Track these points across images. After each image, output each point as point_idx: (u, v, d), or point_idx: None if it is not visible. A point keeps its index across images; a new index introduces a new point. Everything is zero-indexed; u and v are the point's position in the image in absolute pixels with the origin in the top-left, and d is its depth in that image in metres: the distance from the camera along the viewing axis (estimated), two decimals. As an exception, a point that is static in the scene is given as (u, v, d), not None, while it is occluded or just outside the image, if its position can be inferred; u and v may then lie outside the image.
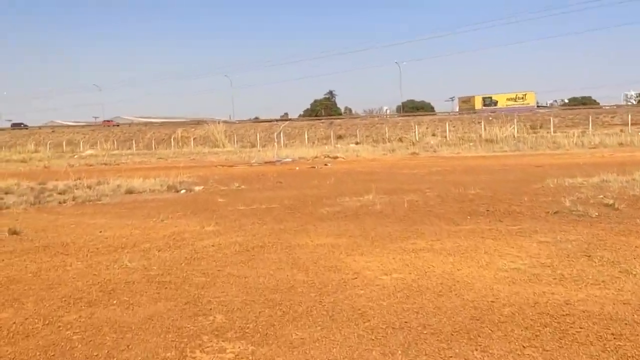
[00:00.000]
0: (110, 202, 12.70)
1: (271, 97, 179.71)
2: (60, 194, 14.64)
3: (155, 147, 63.95)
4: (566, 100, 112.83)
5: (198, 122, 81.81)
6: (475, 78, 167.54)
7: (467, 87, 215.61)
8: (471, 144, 35.35)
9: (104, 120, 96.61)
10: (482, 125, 47.26)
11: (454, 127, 58.69)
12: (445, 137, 47.87)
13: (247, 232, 8.14)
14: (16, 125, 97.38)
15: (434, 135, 52.97)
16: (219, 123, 68.17)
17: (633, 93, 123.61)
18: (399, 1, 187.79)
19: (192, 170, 23.70)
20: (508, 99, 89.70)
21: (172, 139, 65.89)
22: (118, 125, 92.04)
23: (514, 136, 40.60)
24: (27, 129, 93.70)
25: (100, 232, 8.79)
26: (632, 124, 47.39)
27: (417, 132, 49.62)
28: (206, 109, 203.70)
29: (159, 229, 8.77)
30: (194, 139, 70.14)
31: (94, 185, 16.07)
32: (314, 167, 22.15)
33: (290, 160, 29.20)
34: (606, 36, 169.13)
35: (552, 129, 44.80)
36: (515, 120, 48.01)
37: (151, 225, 9.13)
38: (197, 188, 14.97)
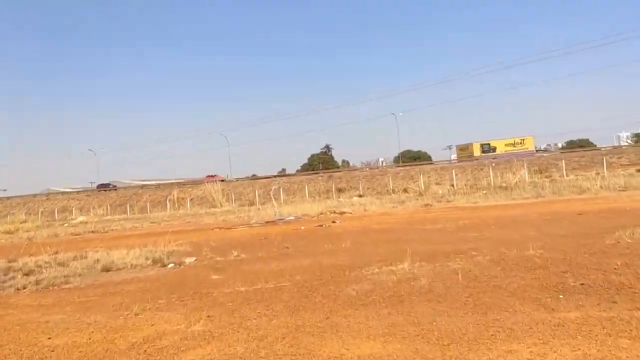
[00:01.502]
0: (79, 286, 10.23)
1: (268, 154, 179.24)
2: (26, 274, 12.23)
3: (150, 211, 61.59)
4: (563, 144, 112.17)
5: (195, 183, 79.93)
6: (469, 126, 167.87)
7: (462, 135, 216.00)
8: (484, 191, 33.12)
9: (99, 185, 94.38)
10: (490, 172, 45.22)
11: (456, 175, 56.79)
12: (453, 185, 45.71)
13: (251, 334, 5.71)
14: (103, 186, 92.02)
15: (437, 184, 50.94)
16: (215, 182, 66.15)
17: (626, 134, 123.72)
18: (388, 53, 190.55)
19: (185, 236, 21.30)
20: (506, 145, 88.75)
21: (167, 201, 63.61)
22: (115, 188, 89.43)
23: (526, 181, 38.45)
24: (115, 189, 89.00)
25: (49, 338, 6.36)
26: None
27: (422, 181, 47.49)
28: (204, 168, 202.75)
29: (129, 331, 6.33)
30: (190, 199, 68.02)
31: (68, 262, 13.66)
32: (322, 226, 19.78)
33: (293, 218, 26.83)
34: (594, 79, 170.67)
35: (564, 172, 42.72)
36: (525, 164, 46.00)
37: (120, 325, 6.68)
38: (188, 260, 12.54)
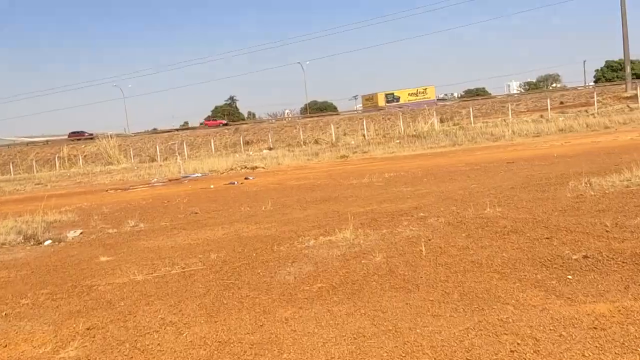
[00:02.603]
0: None
1: (169, 106, 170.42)
2: None
3: (37, 170, 55.80)
4: (462, 93, 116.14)
5: (92, 138, 73.50)
6: (371, 76, 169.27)
7: (364, 86, 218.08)
8: (397, 141, 32.45)
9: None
10: (400, 121, 44.86)
11: (366, 125, 56.37)
12: (364, 135, 44.96)
13: (151, 362, 3.81)
14: (75, 135, 78.24)
15: (346, 134, 50.06)
16: (111, 137, 61.04)
17: (515, 83, 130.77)
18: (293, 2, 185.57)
19: (73, 200, 18.43)
20: (410, 94, 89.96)
21: (56, 159, 57.95)
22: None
23: (435, 130, 38.33)
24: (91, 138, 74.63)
25: None
26: (546, 110, 47.20)
27: (333, 132, 46.29)
28: (98, 123, 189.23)
29: (-40, 364, 4.20)
30: (84, 156, 62.54)
31: None
32: (233, 183, 17.76)
33: (199, 175, 24.48)
34: (484, 32, 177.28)
35: (471, 120, 43.23)
36: (434, 113, 46.07)
37: (-51, 351, 4.49)
38: (71, 234, 10.14)
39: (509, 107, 45.72)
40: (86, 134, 78.19)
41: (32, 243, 9.58)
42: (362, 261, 5.77)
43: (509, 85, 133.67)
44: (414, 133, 35.82)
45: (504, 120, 41.31)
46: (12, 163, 62.43)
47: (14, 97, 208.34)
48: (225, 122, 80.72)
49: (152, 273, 6.38)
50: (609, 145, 16.94)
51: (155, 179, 24.69)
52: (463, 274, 4.95)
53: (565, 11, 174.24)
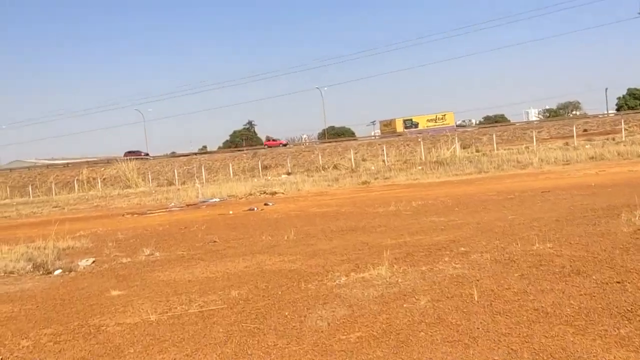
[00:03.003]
0: None
1: (187, 130, 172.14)
2: None
3: (56, 193, 55.98)
4: (481, 120, 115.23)
5: (108, 161, 73.79)
6: (390, 102, 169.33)
7: (382, 111, 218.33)
8: (419, 167, 31.71)
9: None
10: (421, 147, 44.16)
11: (382, 150, 55.89)
12: (384, 161, 44.31)
13: None
14: (132, 154, 75.95)
15: (364, 160, 49.46)
16: (130, 161, 61.23)
17: (534, 110, 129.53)
18: (309, 24, 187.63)
19: (89, 224, 17.98)
20: (428, 120, 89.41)
21: (75, 182, 58.15)
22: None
23: (459, 156, 37.52)
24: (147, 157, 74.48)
25: None
26: (570, 137, 46.20)
27: (352, 157, 45.72)
28: (118, 146, 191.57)
29: None
30: (103, 179, 62.72)
31: None
32: (253, 210, 17.16)
33: (217, 200, 23.97)
34: (504, 55, 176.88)
35: (494, 146, 42.36)
36: (456, 139, 45.33)
37: None
38: (83, 263, 9.57)
39: (533, 134, 44.73)
40: (142, 154, 77.53)
41: (41, 272, 9.02)
42: (404, 305, 5.06)
43: (527, 113, 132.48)
44: (436, 159, 35.08)
45: (528, 147, 40.39)
46: (32, 185, 62.86)
47: (34, 119, 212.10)
48: (285, 142, 79.30)
49: (166, 312, 5.74)
50: (649, 175, 16.06)
51: (173, 204, 24.24)
52: (528, 325, 4.22)
53: (585, 37, 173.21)
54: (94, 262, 9.71)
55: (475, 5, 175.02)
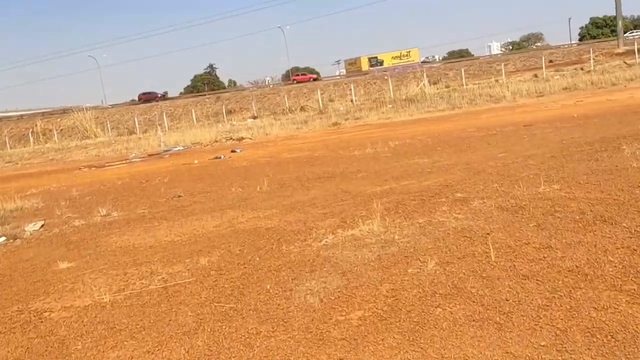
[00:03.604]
0: None
1: (147, 76, 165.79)
2: None
3: (11, 147, 53.23)
4: (445, 55, 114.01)
5: (64, 111, 70.32)
6: (353, 40, 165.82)
7: (346, 50, 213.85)
8: (389, 106, 30.76)
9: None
10: (390, 85, 43.06)
11: (350, 90, 54.67)
12: (352, 101, 43.15)
13: None
14: (146, 95, 70.48)
15: (331, 100, 48.19)
16: (87, 110, 58.37)
17: (496, 44, 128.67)
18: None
19: (42, 180, 16.62)
20: (393, 57, 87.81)
21: (30, 134, 55.36)
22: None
23: (426, 93, 36.60)
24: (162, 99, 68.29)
25: None
26: (538, 69, 45.74)
27: (320, 98, 44.38)
28: (74, 96, 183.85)
29: None
30: (61, 130, 59.85)
31: None
32: (220, 158, 16.06)
33: (181, 148, 22.68)
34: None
35: (463, 82, 41.59)
36: (425, 75, 44.34)
37: None
38: (30, 227, 8.46)
39: (502, 67, 44.02)
40: (159, 95, 71.99)
41: (-20, 241, 7.90)
42: (409, 270, 4.24)
43: (489, 46, 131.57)
44: (406, 97, 34.13)
45: (497, 80, 39.77)
46: (-16, 140, 59.57)
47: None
48: (316, 76, 73.76)
49: (123, 290, 4.80)
50: (630, 104, 15.52)
51: (134, 154, 22.86)
52: (568, 293, 3.45)
53: None
54: (42, 226, 8.62)
55: None
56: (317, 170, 10.78)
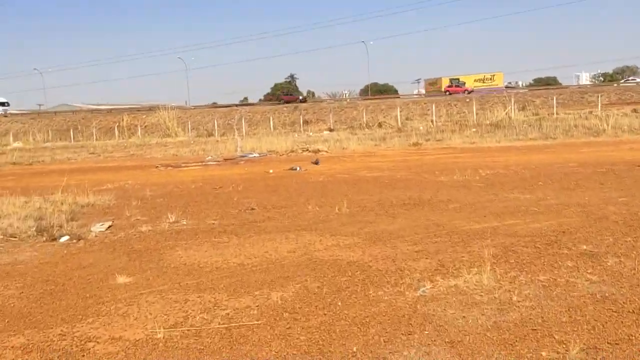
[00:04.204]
0: None
1: (230, 81, 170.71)
2: None
3: (97, 138, 55.69)
4: (531, 82, 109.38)
5: (150, 109, 73.14)
6: (435, 60, 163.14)
7: (426, 70, 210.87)
8: (473, 129, 29.22)
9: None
10: (474, 108, 41.32)
11: (429, 110, 53.11)
12: (432, 121, 41.75)
13: None
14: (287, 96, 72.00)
15: (408, 119, 46.87)
16: (171, 109, 60.20)
17: (585, 74, 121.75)
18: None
19: (119, 175, 16.64)
20: (476, 80, 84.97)
21: (116, 128, 57.71)
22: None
23: (513, 119, 34.63)
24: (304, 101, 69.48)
25: None
26: (637, 104, 42.53)
27: (399, 115, 43.29)
28: (162, 94, 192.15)
29: None
30: (145, 126, 62.04)
31: None
32: (296, 169, 15.43)
33: (257, 155, 22.34)
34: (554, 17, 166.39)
35: (554, 110, 39.21)
36: (512, 100, 42.27)
37: None
38: (96, 228, 8.06)
39: (598, 98, 41.13)
40: (300, 98, 72.54)
41: (44, 238, 7.54)
42: (543, 353, 3.22)
43: (578, 76, 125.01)
44: (491, 122, 32.39)
45: (591, 112, 37.11)
46: (75, 129, 62.77)
47: (80, 64, 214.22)
48: (471, 89, 73.48)
49: (181, 324, 4.08)
50: None
51: (210, 157, 22.77)
52: None
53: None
54: (109, 227, 8.20)
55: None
56: (400, 194, 9.82)
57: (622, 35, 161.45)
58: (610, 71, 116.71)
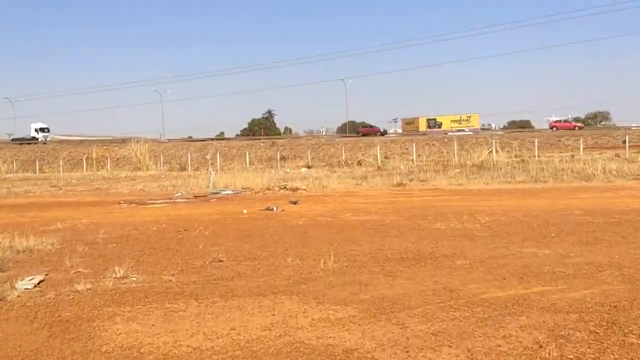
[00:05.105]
0: None
1: (206, 115, 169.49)
2: None
3: (64, 170, 53.39)
4: (505, 124, 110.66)
5: (123, 141, 71.15)
6: (412, 99, 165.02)
7: (402, 109, 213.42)
8: (457, 170, 28.24)
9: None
10: (455, 148, 40.69)
11: (408, 149, 52.56)
12: (412, 160, 40.93)
13: None
14: (367, 128, 71.81)
15: (387, 158, 46.05)
16: (144, 142, 58.41)
17: (556, 118, 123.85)
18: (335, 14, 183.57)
19: (76, 212, 14.98)
20: (452, 121, 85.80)
21: (85, 160, 55.59)
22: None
23: (499, 161, 33.93)
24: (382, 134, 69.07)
25: None
26: (616, 148, 42.52)
27: (378, 153, 42.36)
28: (134, 127, 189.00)
29: None
30: (116, 159, 59.96)
31: None
32: (272, 210, 13.97)
33: (230, 193, 20.81)
34: (529, 59, 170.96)
35: (535, 153, 38.79)
36: (494, 143, 41.83)
37: None
38: (23, 283, 6.45)
39: (580, 142, 40.99)
40: (380, 130, 71.34)
41: (-49, 299, 5.91)
42: None
43: (548, 121, 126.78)
44: (475, 163, 31.55)
45: (573, 155, 36.72)
46: (43, 161, 60.30)
47: (52, 93, 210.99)
48: (581, 125, 70.87)
49: None
50: None
51: (179, 193, 21.15)
52: None
53: (607, 46, 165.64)
54: (40, 282, 6.60)
55: (506, 4, 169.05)
56: (395, 245, 8.44)
57: (589, 81, 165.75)
58: (583, 116, 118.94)
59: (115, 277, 6.67)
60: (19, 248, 8.92)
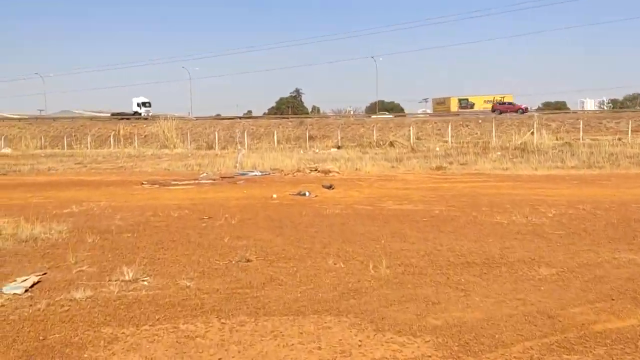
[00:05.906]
0: None
1: (234, 94, 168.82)
2: None
3: (93, 147, 53.12)
4: (539, 106, 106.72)
5: (152, 118, 70.70)
6: (442, 79, 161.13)
7: (431, 89, 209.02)
8: (498, 153, 26.53)
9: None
10: (493, 129, 38.75)
11: (442, 130, 50.69)
12: (446, 142, 39.18)
13: None
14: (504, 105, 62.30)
15: (418, 139, 44.27)
16: (172, 119, 57.66)
17: (590, 100, 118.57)
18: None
19: (96, 193, 14.00)
20: (485, 101, 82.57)
21: (112, 137, 55.21)
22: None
23: (543, 144, 31.94)
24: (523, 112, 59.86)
25: None
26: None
27: (412, 134, 40.71)
28: (163, 103, 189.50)
29: None
30: (144, 136, 59.48)
31: None
32: (304, 195, 12.73)
33: (259, 174, 19.65)
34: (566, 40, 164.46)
35: (580, 135, 36.64)
36: (535, 123, 39.72)
37: None
38: (12, 287, 5.35)
39: (629, 124, 38.65)
40: (522, 107, 61.17)
41: None
42: None
43: (582, 102, 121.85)
44: (517, 145, 29.69)
45: (620, 139, 34.55)
46: (72, 137, 60.21)
47: (81, 69, 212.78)
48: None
49: None
50: None
51: (205, 174, 20.10)
52: None
53: None
54: (34, 285, 5.50)
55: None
56: (454, 244, 7.11)
57: (625, 63, 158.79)
58: (621, 98, 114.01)
59: (122, 280, 5.52)
60: (23, 237, 7.90)
